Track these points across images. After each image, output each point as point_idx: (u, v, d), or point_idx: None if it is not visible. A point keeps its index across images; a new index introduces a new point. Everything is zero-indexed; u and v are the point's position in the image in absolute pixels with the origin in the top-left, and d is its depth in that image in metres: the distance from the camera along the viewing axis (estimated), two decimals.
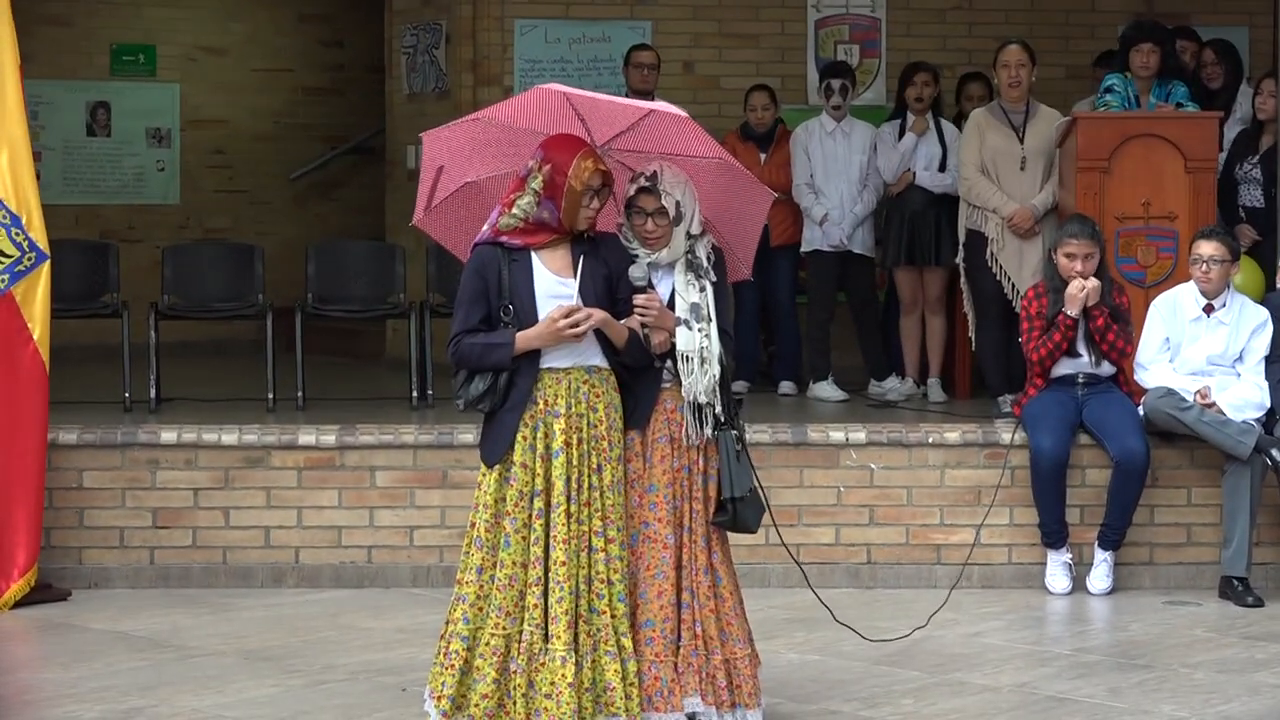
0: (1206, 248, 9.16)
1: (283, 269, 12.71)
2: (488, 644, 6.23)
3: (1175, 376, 9.20)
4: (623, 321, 6.33)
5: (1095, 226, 9.24)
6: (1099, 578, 9.11)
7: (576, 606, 6.23)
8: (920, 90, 11.22)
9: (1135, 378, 9.30)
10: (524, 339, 6.24)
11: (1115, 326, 9.09)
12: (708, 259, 6.49)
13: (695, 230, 6.47)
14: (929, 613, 8.27)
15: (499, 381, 6.27)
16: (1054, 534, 9.13)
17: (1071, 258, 9.06)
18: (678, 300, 6.42)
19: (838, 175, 11.30)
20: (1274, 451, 8.95)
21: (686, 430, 6.41)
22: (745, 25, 12.96)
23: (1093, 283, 9.02)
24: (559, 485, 6.25)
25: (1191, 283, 9.25)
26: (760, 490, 6.52)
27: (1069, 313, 9.02)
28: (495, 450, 6.32)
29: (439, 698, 6.30)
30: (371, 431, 9.35)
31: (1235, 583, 8.98)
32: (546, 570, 6.23)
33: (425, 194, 6.60)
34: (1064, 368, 9.19)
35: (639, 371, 6.41)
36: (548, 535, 6.24)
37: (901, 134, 11.20)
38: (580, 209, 6.29)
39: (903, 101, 11.34)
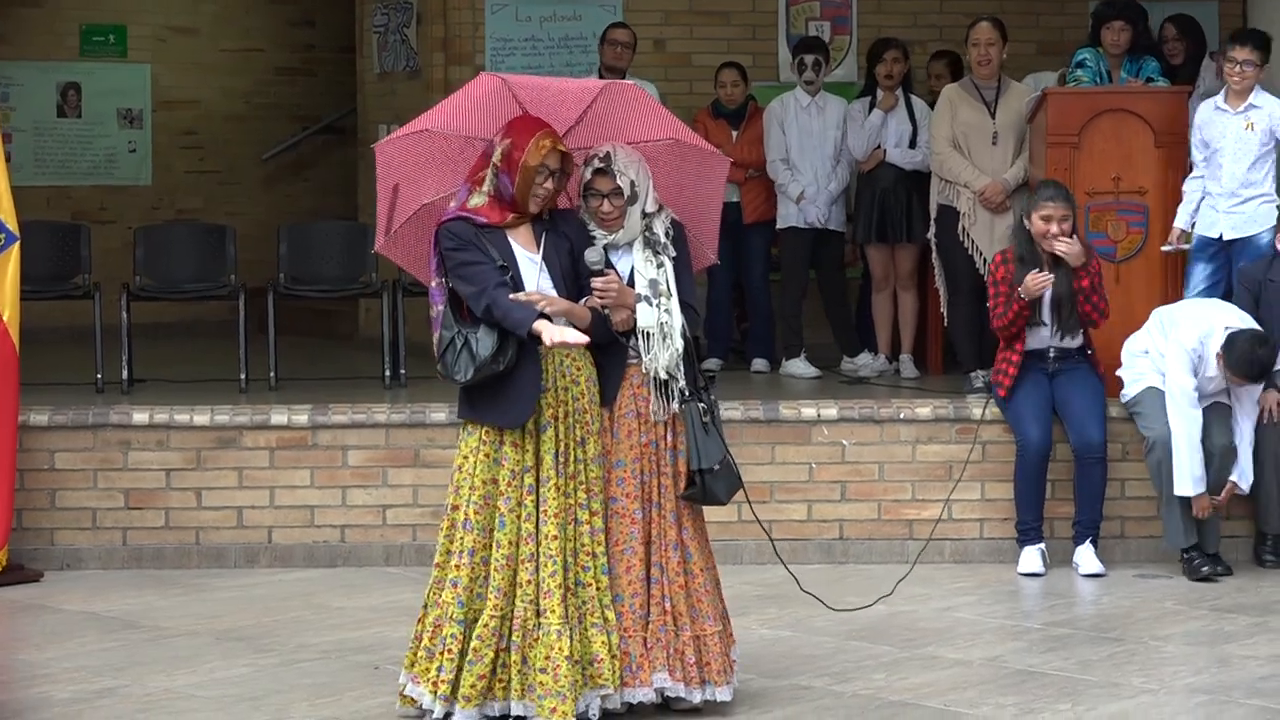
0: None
1: (255, 249, 12.69)
2: (485, 625, 6.22)
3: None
4: (582, 301, 6.33)
5: (1069, 191, 9.17)
6: (1088, 563, 9.04)
7: (566, 579, 6.24)
8: (890, 67, 11.21)
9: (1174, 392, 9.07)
10: (539, 325, 6.14)
11: (1101, 289, 9.05)
12: (666, 234, 6.48)
13: (650, 208, 6.47)
14: (900, 587, 8.30)
15: (508, 340, 6.19)
16: (1031, 530, 9.09)
17: (1048, 220, 8.92)
18: (637, 277, 6.42)
19: (813, 151, 11.29)
20: None
21: (652, 405, 6.42)
22: (716, 2, 12.94)
23: (1075, 248, 8.96)
24: (548, 460, 6.26)
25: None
26: (733, 462, 6.51)
27: (1023, 296, 8.96)
28: (513, 413, 6.24)
29: (436, 683, 6.24)
30: (344, 411, 9.34)
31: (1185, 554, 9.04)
32: (538, 545, 6.23)
33: (384, 216, 6.55)
34: (1034, 342, 9.15)
35: (604, 348, 6.41)
36: (538, 510, 6.24)
37: (871, 111, 11.20)
38: (532, 187, 6.27)
39: (873, 78, 11.35)
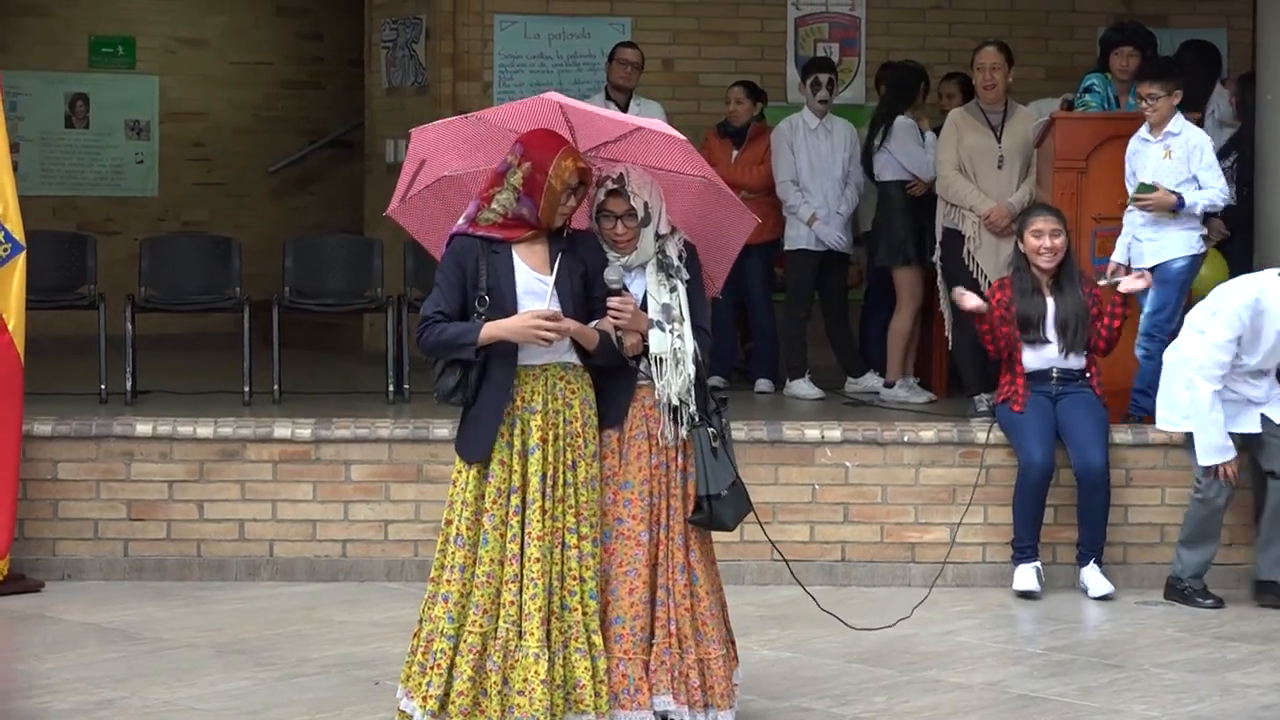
0: None
1: (260, 262, 12.71)
2: (465, 641, 6.22)
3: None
4: (594, 324, 6.33)
5: (1059, 211, 9.23)
6: (1096, 584, 9.03)
7: (549, 603, 6.23)
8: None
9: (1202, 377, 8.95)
10: (492, 329, 6.20)
11: (1113, 323, 9.05)
12: (679, 257, 6.47)
13: (664, 230, 6.46)
14: (902, 610, 8.29)
15: (469, 376, 6.26)
16: (1027, 549, 9.08)
17: (1039, 234, 9.02)
18: (650, 301, 6.40)
19: (823, 173, 11.31)
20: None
21: (663, 430, 6.41)
22: (725, 22, 12.99)
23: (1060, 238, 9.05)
24: (534, 482, 6.24)
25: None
26: (743, 485, 6.50)
27: (964, 306, 9.09)
28: (474, 449, 6.28)
29: (425, 698, 6.23)
30: (347, 425, 9.34)
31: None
32: (522, 567, 6.23)
33: (403, 185, 6.59)
34: (1036, 362, 9.14)
35: (613, 370, 6.40)
36: (523, 532, 6.24)
37: (926, 134, 11.24)
38: (558, 207, 6.29)
39: (900, 99, 11.32)
